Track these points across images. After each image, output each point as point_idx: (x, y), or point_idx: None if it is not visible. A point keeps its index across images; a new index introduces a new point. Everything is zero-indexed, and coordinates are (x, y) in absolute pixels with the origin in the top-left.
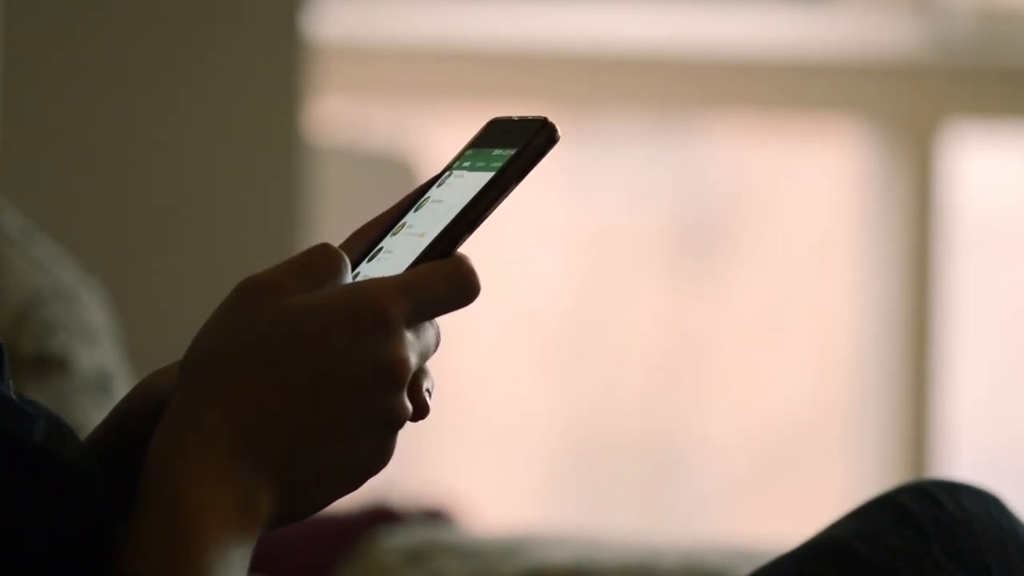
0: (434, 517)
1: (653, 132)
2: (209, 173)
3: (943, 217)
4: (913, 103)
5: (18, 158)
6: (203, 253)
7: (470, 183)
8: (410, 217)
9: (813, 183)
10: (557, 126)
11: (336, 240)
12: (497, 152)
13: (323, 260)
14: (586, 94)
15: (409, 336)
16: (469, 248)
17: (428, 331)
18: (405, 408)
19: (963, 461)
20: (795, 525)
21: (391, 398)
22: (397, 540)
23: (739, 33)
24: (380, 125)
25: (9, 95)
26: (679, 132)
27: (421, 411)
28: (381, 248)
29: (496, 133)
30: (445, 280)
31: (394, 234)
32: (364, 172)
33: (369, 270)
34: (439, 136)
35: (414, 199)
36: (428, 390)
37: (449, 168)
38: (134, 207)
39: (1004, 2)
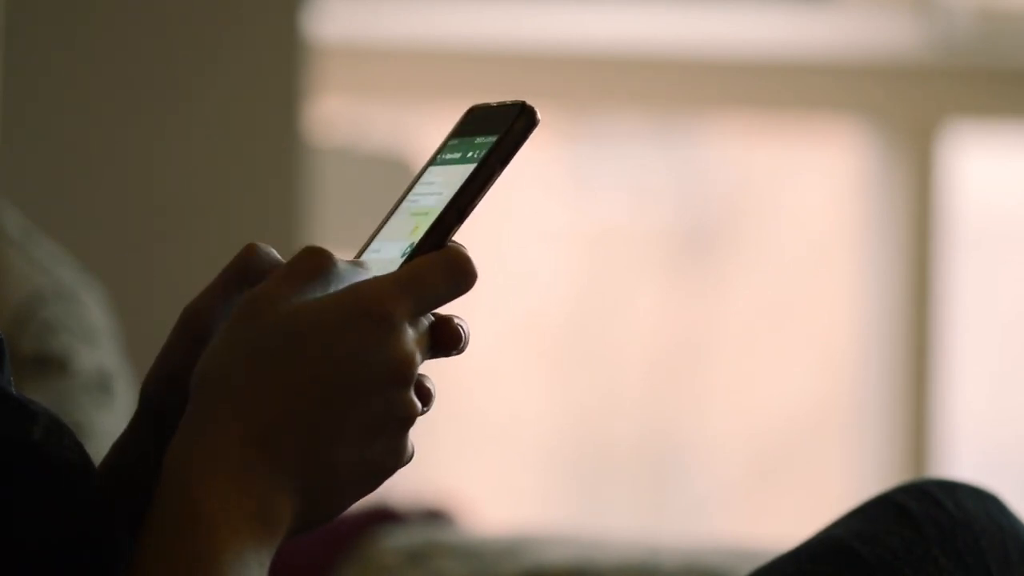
0: (434, 517)
1: (653, 132)
2: (209, 173)
3: (943, 217)
4: (913, 103)
5: (18, 158)
6: (203, 253)
7: (456, 173)
8: (398, 210)
9: (813, 183)
10: (536, 109)
11: (337, 239)
12: (480, 140)
13: (309, 260)
14: (586, 94)
15: (411, 332)
16: (469, 249)
17: (425, 324)
18: (414, 404)
19: (963, 461)
20: (795, 525)
21: (400, 396)
22: (397, 540)
23: (739, 33)
24: (380, 125)
25: (9, 95)
26: (679, 132)
27: (427, 404)
28: (372, 245)
29: (477, 121)
30: (441, 271)
31: (383, 230)
32: (364, 172)
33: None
34: (439, 136)
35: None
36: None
37: (433, 159)
38: (134, 207)
39: (1004, 2)
